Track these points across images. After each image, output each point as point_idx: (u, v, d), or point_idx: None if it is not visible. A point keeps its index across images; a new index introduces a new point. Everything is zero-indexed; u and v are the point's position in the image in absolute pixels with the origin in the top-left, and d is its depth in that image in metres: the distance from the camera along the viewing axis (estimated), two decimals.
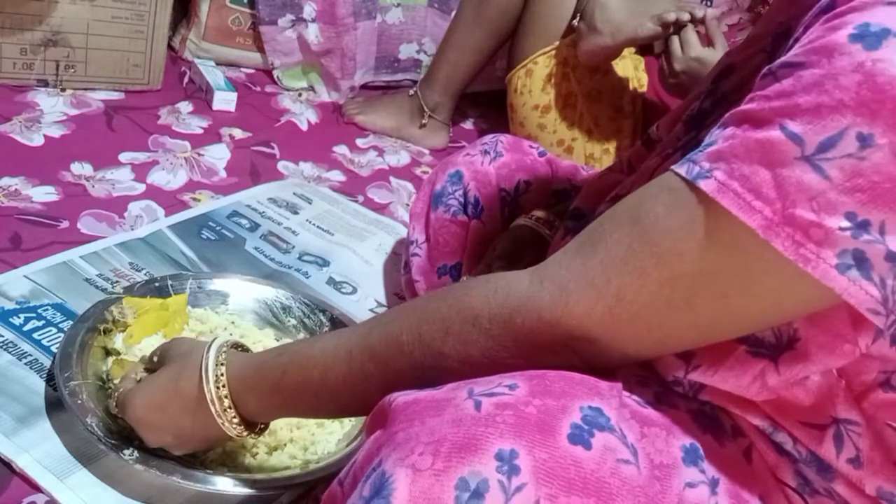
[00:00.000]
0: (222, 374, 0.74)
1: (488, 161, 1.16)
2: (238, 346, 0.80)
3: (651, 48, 1.80)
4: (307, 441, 0.94)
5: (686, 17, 1.50)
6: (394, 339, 0.65)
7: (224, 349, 0.77)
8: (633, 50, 1.75)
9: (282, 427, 0.93)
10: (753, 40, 0.73)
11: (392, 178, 1.72)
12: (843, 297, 0.48)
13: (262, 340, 1.05)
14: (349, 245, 1.41)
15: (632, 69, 1.74)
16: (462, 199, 1.15)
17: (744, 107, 0.52)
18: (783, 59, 0.52)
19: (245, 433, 0.77)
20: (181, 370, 0.78)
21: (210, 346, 0.76)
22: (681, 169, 0.53)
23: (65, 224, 1.26)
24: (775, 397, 0.60)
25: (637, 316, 0.55)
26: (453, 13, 1.90)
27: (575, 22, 1.64)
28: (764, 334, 0.59)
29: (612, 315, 0.56)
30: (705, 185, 0.51)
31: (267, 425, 0.81)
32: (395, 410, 0.56)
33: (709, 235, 0.52)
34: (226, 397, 0.74)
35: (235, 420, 0.75)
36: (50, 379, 0.95)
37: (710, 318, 0.55)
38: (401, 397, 0.57)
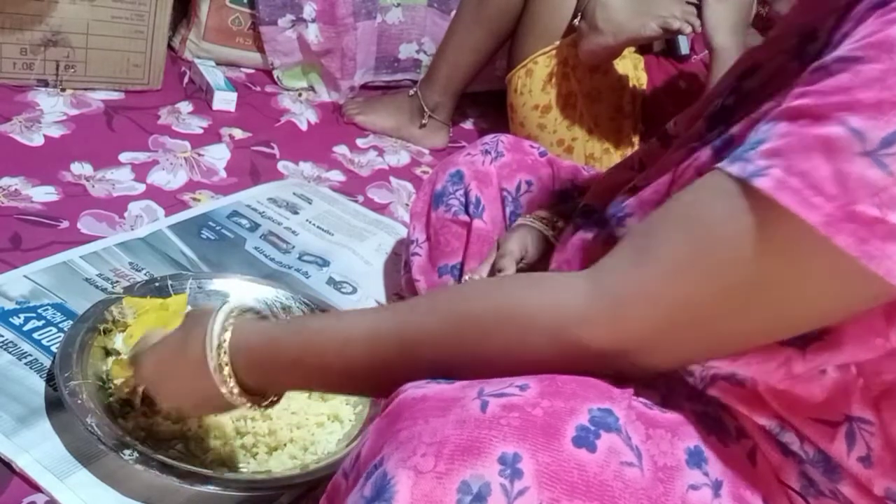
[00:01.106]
0: (225, 341, 0.71)
1: (489, 161, 1.16)
2: (251, 311, 0.76)
3: (651, 47, 1.80)
4: (307, 441, 0.94)
5: (688, 28, 1.51)
6: (428, 333, 0.63)
7: (234, 314, 0.73)
8: (632, 49, 1.75)
9: (282, 427, 0.93)
10: (776, 40, 0.72)
11: (392, 178, 1.72)
12: None
13: None
14: (349, 245, 1.41)
15: (631, 69, 1.74)
16: (463, 199, 1.15)
17: (796, 102, 0.51)
18: (837, 53, 0.51)
19: (248, 403, 0.73)
20: (190, 331, 0.74)
21: (219, 309, 0.73)
22: (732, 168, 0.52)
23: (65, 224, 1.26)
24: (790, 390, 0.60)
25: (694, 325, 0.55)
26: (453, 13, 1.90)
27: (576, 21, 1.64)
28: None
29: (669, 325, 0.55)
30: (761, 183, 0.49)
31: (279, 398, 0.77)
32: (401, 405, 0.55)
33: (768, 236, 0.50)
34: (226, 364, 0.71)
35: (236, 390, 0.71)
36: (50, 379, 0.95)
37: (768, 319, 0.54)
38: (410, 390, 0.56)
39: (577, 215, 0.90)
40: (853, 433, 0.59)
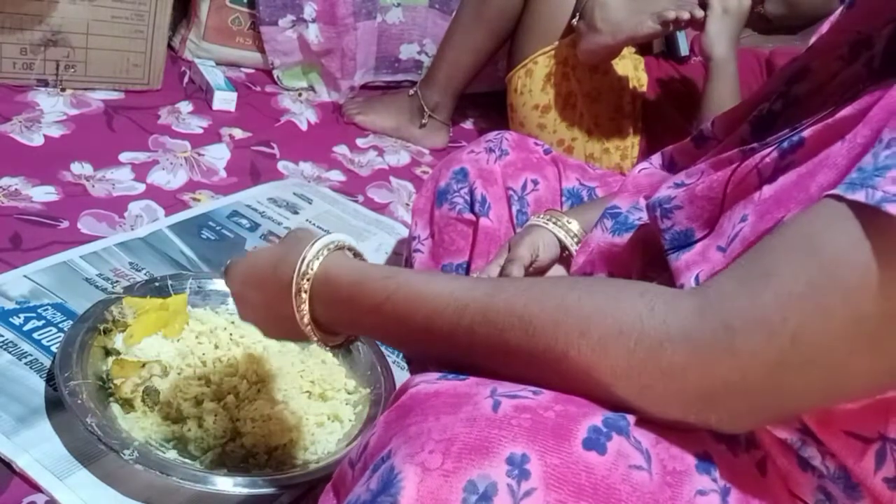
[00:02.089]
0: (312, 270, 0.68)
1: (493, 159, 1.16)
2: (350, 250, 0.73)
3: (651, 47, 1.80)
4: (307, 441, 0.94)
5: (685, 15, 1.50)
6: (522, 315, 0.57)
7: (331, 246, 0.70)
8: (633, 49, 1.75)
9: (282, 427, 0.93)
10: (828, 46, 0.72)
11: (392, 178, 1.72)
12: None
13: (263, 340, 1.05)
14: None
15: (632, 69, 1.74)
16: (468, 197, 1.15)
17: None
18: None
19: (316, 337, 0.71)
20: (286, 253, 0.72)
21: (318, 239, 0.71)
22: (856, 195, 0.48)
23: (65, 224, 1.26)
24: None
25: (812, 362, 0.49)
26: (453, 13, 1.90)
27: (574, 21, 1.64)
28: None
29: (783, 359, 0.49)
30: (894, 210, 0.46)
31: (349, 341, 0.74)
32: (413, 399, 0.55)
33: None
34: (305, 292, 0.68)
35: (306, 318, 0.69)
36: (50, 379, 0.95)
37: (888, 361, 0.49)
38: (423, 385, 0.56)
39: (604, 217, 0.88)
40: (884, 453, 0.57)
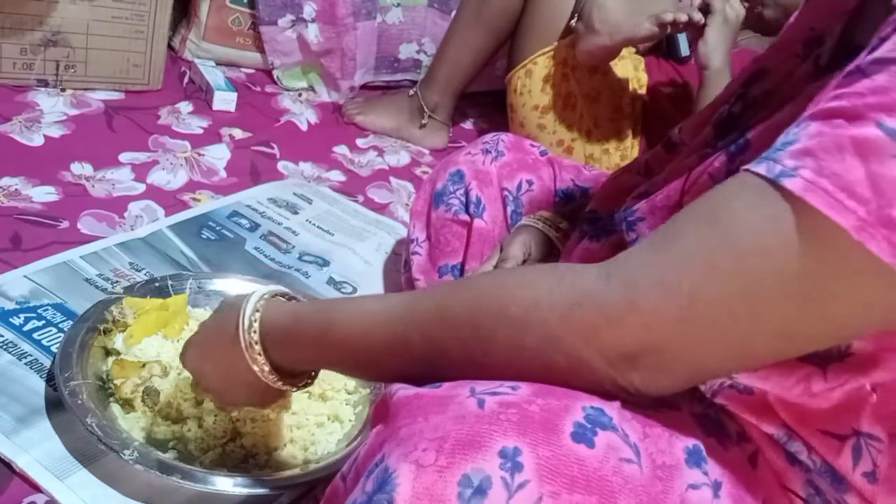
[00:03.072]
0: (255, 321, 0.71)
1: (490, 160, 1.16)
2: (282, 295, 0.77)
3: (652, 48, 1.80)
4: (307, 441, 0.94)
5: (683, 17, 1.50)
6: (445, 313, 0.61)
7: (266, 297, 0.74)
8: (632, 50, 1.75)
9: (282, 427, 0.93)
10: (781, 47, 0.72)
11: (392, 178, 1.72)
12: None
13: None
14: (349, 245, 1.41)
15: (631, 69, 1.74)
16: (464, 199, 1.15)
17: (830, 104, 0.50)
18: (874, 55, 0.49)
19: (280, 382, 0.73)
20: (225, 318, 0.75)
21: (251, 294, 0.74)
22: (759, 168, 0.50)
23: (65, 224, 1.26)
24: (799, 402, 0.59)
25: (712, 321, 0.51)
26: (453, 13, 1.90)
27: (573, 22, 1.64)
28: None
29: (684, 317, 0.52)
30: (791, 184, 0.48)
31: (311, 378, 0.78)
32: (396, 405, 0.56)
33: (795, 235, 0.48)
34: (256, 343, 0.71)
35: (266, 367, 0.72)
36: (50, 379, 0.95)
37: (792, 326, 0.51)
38: (401, 391, 0.57)
39: (583, 221, 0.90)
40: (860, 448, 0.58)
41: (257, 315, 0.72)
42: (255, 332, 0.71)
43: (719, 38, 1.51)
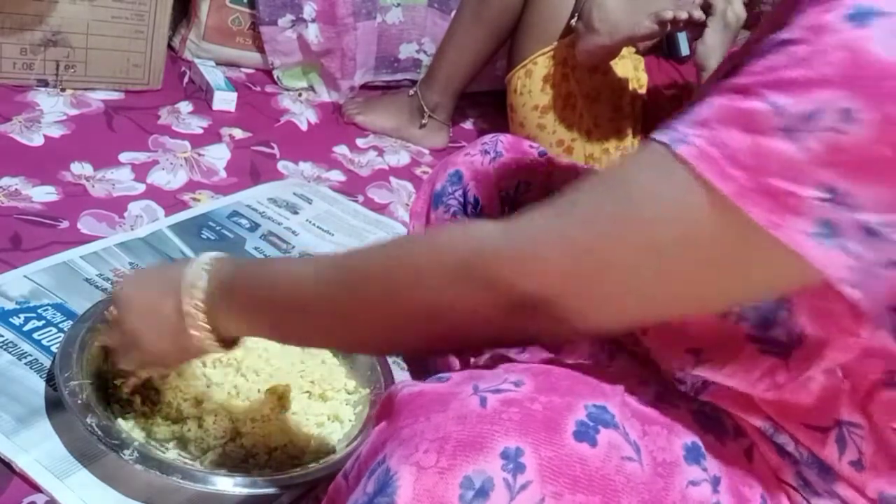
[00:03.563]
0: (200, 288, 0.73)
1: (488, 161, 1.16)
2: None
3: (652, 48, 1.80)
4: (307, 441, 0.94)
5: (683, 15, 1.49)
6: (364, 268, 0.63)
7: (208, 265, 0.75)
8: (632, 50, 1.75)
9: (281, 428, 0.93)
10: (755, 43, 0.73)
11: (392, 178, 1.72)
12: (814, 265, 0.48)
13: (264, 340, 1.05)
14: (349, 245, 1.41)
15: (631, 69, 1.74)
16: (462, 199, 1.15)
17: (731, 80, 0.53)
18: (774, 36, 0.52)
19: (218, 346, 0.75)
20: (168, 276, 0.77)
21: (195, 261, 0.76)
22: (662, 136, 0.53)
23: (65, 224, 1.26)
24: (779, 398, 0.60)
25: (606, 275, 0.54)
26: (453, 13, 1.90)
27: (573, 22, 1.64)
28: (777, 334, 0.59)
29: (578, 272, 0.54)
30: (684, 150, 0.51)
31: (235, 341, 0.78)
32: (400, 403, 0.56)
33: (687, 199, 0.51)
34: (202, 312, 0.73)
35: (210, 337, 0.73)
36: (50, 379, 0.95)
37: (683, 285, 0.54)
38: (406, 389, 0.57)
39: None
40: (844, 438, 0.59)
41: (202, 283, 0.73)
42: (199, 301, 0.72)
43: (718, 39, 1.51)
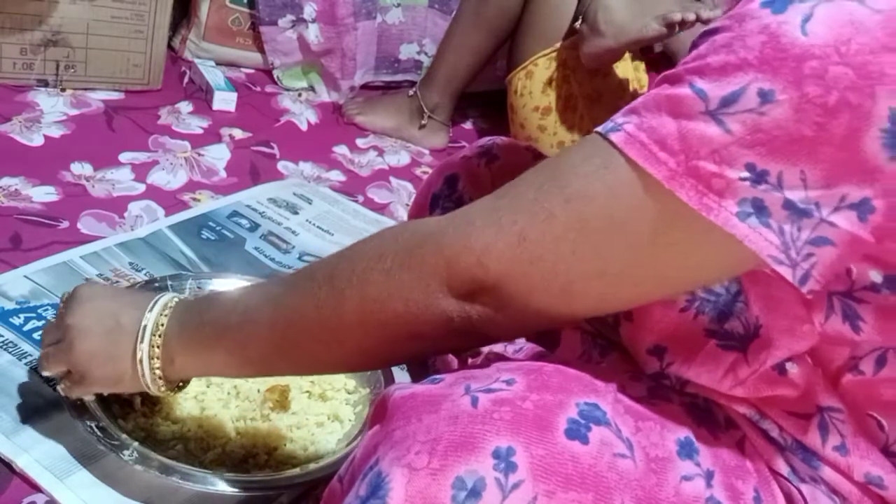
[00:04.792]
0: (159, 336, 0.74)
1: (484, 163, 1.17)
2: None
3: (652, 49, 1.80)
4: (307, 441, 0.94)
5: (691, 16, 1.48)
6: (311, 273, 0.66)
7: (166, 314, 0.75)
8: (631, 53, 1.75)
9: (282, 427, 0.93)
10: None
11: (392, 178, 1.72)
12: (745, 244, 0.49)
13: None
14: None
15: (632, 71, 1.74)
16: (458, 202, 1.15)
17: (665, 72, 0.55)
18: (706, 28, 0.54)
19: (166, 389, 0.77)
20: (124, 319, 0.76)
21: (154, 309, 0.75)
22: (599, 127, 0.55)
23: (65, 224, 1.26)
24: (755, 395, 0.61)
25: (540, 259, 0.55)
26: (453, 13, 1.90)
27: (577, 24, 1.64)
28: (733, 326, 0.60)
29: (514, 255, 0.55)
30: (615, 137, 0.53)
31: (185, 384, 0.81)
32: (392, 406, 0.56)
33: (618, 183, 0.52)
34: (156, 359, 0.74)
35: (160, 380, 0.75)
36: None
37: (619, 269, 0.55)
38: (398, 391, 0.57)
39: None
40: (826, 424, 0.60)
41: (160, 332, 0.74)
42: (156, 346, 0.74)
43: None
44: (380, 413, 0.57)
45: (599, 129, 0.55)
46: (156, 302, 0.75)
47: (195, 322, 0.73)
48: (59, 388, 0.81)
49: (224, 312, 0.71)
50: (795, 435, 0.61)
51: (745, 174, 0.49)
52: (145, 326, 0.74)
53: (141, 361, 0.74)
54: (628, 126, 0.53)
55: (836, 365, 0.58)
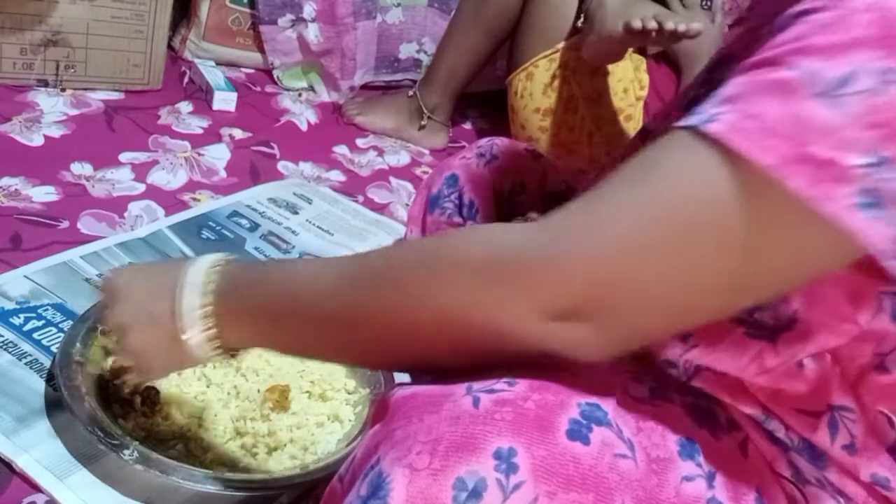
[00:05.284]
0: (208, 304, 0.66)
1: (483, 163, 1.17)
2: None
3: (650, 50, 1.80)
4: (307, 441, 0.94)
5: (652, 24, 1.43)
6: (386, 270, 0.59)
7: (209, 279, 0.68)
8: (632, 51, 1.74)
9: (282, 427, 0.93)
10: (752, 31, 0.73)
11: (392, 178, 1.72)
12: (857, 238, 0.46)
13: None
14: (349, 245, 1.41)
15: (632, 71, 1.74)
16: (457, 202, 1.15)
17: (752, 59, 0.51)
18: (790, 10, 0.51)
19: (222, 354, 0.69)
20: (164, 287, 0.68)
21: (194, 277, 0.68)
22: (686, 121, 0.50)
23: (65, 224, 1.26)
24: (772, 385, 0.60)
25: (639, 268, 0.51)
26: (453, 13, 1.90)
27: (579, 23, 1.64)
28: (763, 317, 0.58)
29: (612, 267, 0.51)
30: (713, 128, 0.48)
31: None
32: (394, 405, 0.55)
33: (721, 179, 0.48)
34: (210, 330, 0.66)
35: (217, 349, 0.67)
36: (50, 379, 0.95)
37: (723, 273, 0.50)
38: (399, 391, 0.57)
39: None
40: (835, 422, 0.59)
41: (210, 285, 0.66)
42: (206, 305, 0.66)
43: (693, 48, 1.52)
44: (381, 412, 0.57)
45: (687, 122, 0.50)
46: (198, 262, 0.68)
47: (246, 293, 0.66)
48: (124, 380, 0.77)
49: (287, 296, 0.64)
50: (803, 433, 0.60)
51: (862, 160, 0.46)
52: (190, 289, 0.66)
53: (181, 316, 0.66)
54: (727, 115, 0.48)
55: (858, 363, 0.57)
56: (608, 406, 0.54)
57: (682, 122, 0.51)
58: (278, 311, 0.64)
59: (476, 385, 0.54)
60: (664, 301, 0.52)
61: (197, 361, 0.69)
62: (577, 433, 0.51)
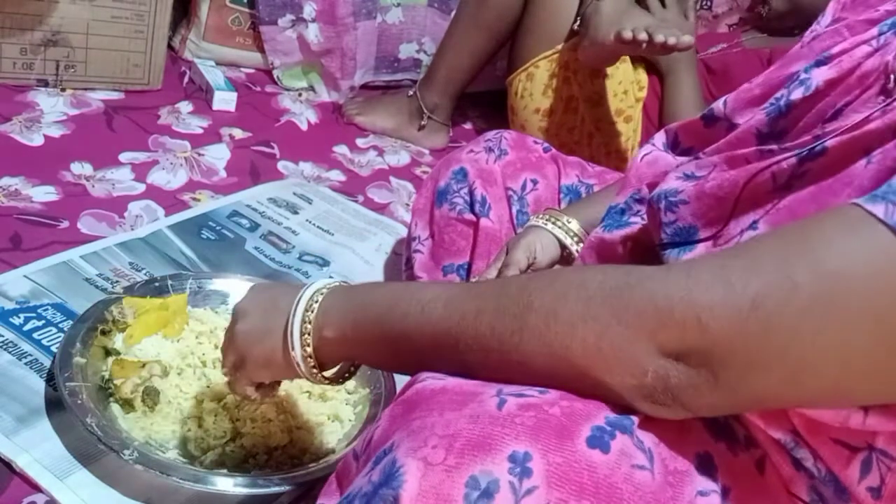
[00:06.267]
0: (309, 324, 0.69)
1: (493, 159, 1.16)
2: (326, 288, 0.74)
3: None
4: (307, 441, 0.94)
5: (643, 36, 1.43)
6: (490, 313, 0.58)
7: (322, 291, 0.71)
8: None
9: (282, 427, 0.93)
10: (857, 26, 0.67)
11: (392, 178, 1.72)
12: None
13: None
14: (349, 245, 1.41)
15: (632, 73, 1.74)
16: (468, 198, 1.15)
17: None
18: None
19: (326, 381, 0.74)
20: (278, 312, 0.72)
21: (304, 294, 0.71)
22: (875, 207, 0.48)
23: (65, 224, 1.26)
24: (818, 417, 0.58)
25: (773, 332, 0.48)
26: (453, 13, 1.89)
27: (576, 26, 1.64)
28: None
29: (742, 321, 0.48)
30: (879, 209, 0.47)
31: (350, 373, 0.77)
32: (419, 394, 0.55)
33: (882, 261, 0.46)
34: (309, 353, 0.70)
35: (316, 373, 0.72)
36: (50, 379, 0.95)
37: (866, 360, 0.48)
38: (430, 381, 0.56)
39: (606, 216, 0.85)
40: (870, 462, 0.57)
41: (310, 317, 0.69)
42: (308, 341, 0.70)
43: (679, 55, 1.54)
44: (406, 395, 0.57)
45: (878, 212, 0.47)
46: (311, 284, 0.72)
47: (353, 306, 0.69)
48: (226, 380, 0.82)
49: (394, 313, 0.65)
50: (833, 466, 0.58)
51: None
52: (299, 299, 0.70)
53: (291, 334, 0.70)
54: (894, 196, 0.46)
55: None
56: (634, 416, 0.54)
57: (867, 205, 0.48)
58: (393, 335, 0.65)
59: (507, 388, 0.54)
60: (790, 372, 0.50)
61: (290, 372, 0.73)
62: (599, 440, 0.51)
